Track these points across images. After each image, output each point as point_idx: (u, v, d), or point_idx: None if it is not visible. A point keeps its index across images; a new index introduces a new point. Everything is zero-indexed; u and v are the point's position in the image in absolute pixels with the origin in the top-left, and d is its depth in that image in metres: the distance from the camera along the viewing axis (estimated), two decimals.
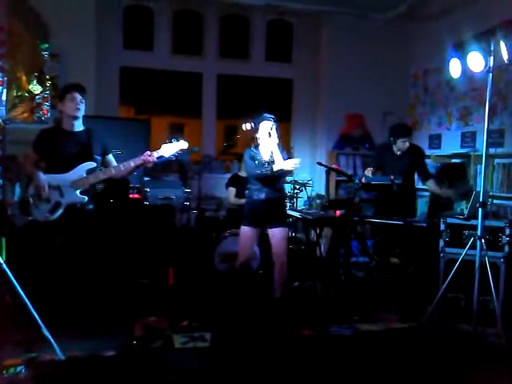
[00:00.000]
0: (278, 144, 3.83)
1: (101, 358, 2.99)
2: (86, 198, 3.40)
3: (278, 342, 3.28)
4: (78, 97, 3.36)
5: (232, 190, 5.27)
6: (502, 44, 3.47)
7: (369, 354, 3.20)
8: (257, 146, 3.94)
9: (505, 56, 3.48)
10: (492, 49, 3.38)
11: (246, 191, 4.04)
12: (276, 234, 3.87)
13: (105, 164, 3.53)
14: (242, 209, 4.06)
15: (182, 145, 3.56)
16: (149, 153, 3.44)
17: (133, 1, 6.07)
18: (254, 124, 3.94)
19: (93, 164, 3.41)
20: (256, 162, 3.87)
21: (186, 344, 3.25)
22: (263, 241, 4.17)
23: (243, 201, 4.28)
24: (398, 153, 4.56)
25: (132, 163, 3.41)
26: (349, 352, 3.24)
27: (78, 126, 3.45)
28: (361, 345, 3.40)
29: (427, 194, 5.65)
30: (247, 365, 2.93)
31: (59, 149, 3.37)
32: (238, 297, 3.65)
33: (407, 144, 4.50)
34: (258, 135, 3.90)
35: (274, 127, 3.84)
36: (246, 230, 3.92)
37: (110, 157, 3.56)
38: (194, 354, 3.13)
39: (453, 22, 5.34)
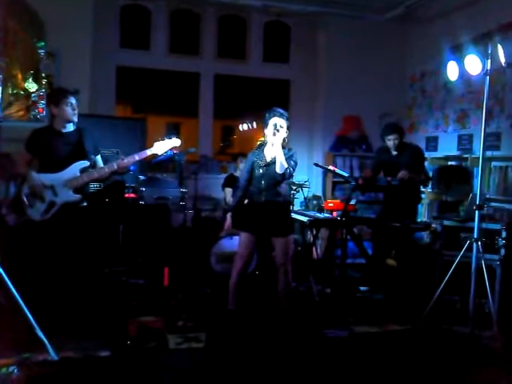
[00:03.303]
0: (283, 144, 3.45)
1: (95, 358, 2.97)
2: (80, 196, 3.39)
3: (273, 343, 3.27)
4: (74, 101, 3.40)
5: (228, 191, 5.26)
6: (499, 47, 3.48)
7: (364, 356, 3.19)
8: (261, 145, 3.63)
9: (502, 59, 3.49)
10: (489, 52, 3.39)
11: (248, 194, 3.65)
12: (281, 242, 3.54)
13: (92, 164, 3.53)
14: (241, 212, 3.68)
15: (175, 142, 3.55)
16: (123, 157, 3.45)
17: (130, 0, 6.05)
18: (264, 120, 3.57)
19: (86, 163, 3.43)
20: (257, 163, 3.56)
21: (180, 344, 3.23)
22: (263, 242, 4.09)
23: None
24: (395, 153, 4.57)
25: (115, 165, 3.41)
26: (344, 354, 3.23)
27: (70, 126, 3.47)
28: (356, 347, 3.40)
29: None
30: (242, 365, 2.92)
31: (52, 149, 3.38)
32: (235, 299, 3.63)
33: (396, 142, 4.51)
34: (266, 132, 3.55)
35: (285, 125, 3.50)
36: (245, 237, 3.60)
37: (98, 158, 3.58)
38: (188, 354, 3.12)
39: (450, 24, 5.35)
